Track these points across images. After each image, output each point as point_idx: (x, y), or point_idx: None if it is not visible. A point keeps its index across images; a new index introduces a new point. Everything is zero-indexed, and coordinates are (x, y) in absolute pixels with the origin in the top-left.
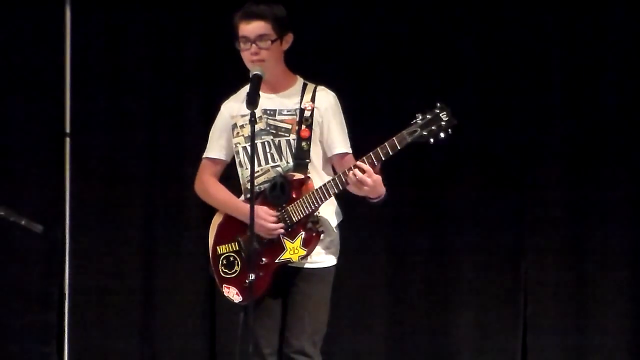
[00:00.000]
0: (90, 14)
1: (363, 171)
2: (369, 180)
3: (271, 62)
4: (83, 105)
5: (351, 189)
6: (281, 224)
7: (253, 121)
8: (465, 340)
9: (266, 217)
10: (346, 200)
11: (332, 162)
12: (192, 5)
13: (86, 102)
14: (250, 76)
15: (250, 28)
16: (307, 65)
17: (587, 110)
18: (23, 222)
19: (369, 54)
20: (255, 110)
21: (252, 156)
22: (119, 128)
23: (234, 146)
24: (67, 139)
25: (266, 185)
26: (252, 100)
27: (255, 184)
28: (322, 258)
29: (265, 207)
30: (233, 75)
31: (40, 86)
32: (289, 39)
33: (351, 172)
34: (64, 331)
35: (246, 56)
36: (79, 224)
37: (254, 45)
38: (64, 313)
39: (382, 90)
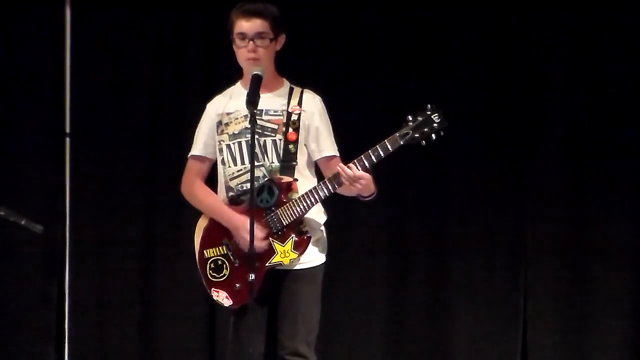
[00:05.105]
0: (90, 14)
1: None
2: (366, 175)
3: (265, 62)
4: (83, 105)
5: (343, 189)
6: (266, 241)
7: (254, 121)
8: (465, 339)
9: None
10: (345, 200)
11: (319, 165)
12: (193, 5)
13: (86, 102)
14: (251, 76)
15: (250, 25)
16: (295, 67)
17: (587, 109)
18: (23, 222)
19: (360, 56)
20: (239, 109)
21: (252, 156)
22: (119, 128)
23: (218, 144)
24: (67, 139)
25: (249, 185)
26: (253, 100)
27: (237, 182)
28: (310, 258)
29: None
30: (233, 75)
31: (40, 86)
32: (282, 40)
33: (345, 170)
34: (64, 331)
35: (242, 53)
36: (79, 224)
37: (251, 42)
38: (64, 313)
39: (374, 92)
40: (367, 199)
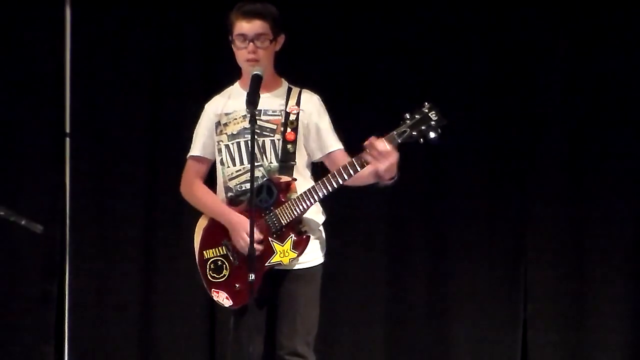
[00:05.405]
0: (90, 14)
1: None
2: (395, 153)
3: (265, 62)
4: (83, 105)
5: (364, 173)
6: (263, 243)
7: (254, 121)
8: (465, 339)
9: (245, 236)
10: (346, 200)
11: (326, 163)
12: (192, 5)
13: (86, 102)
14: (251, 76)
15: (250, 26)
16: (292, 66)
17: (588, 109)
18: (23, 222)
19: (359, 56)
20: (238, 109)
21: (252, 156)
22: (119, 128)
23: (217, 144)
24: (67, 139)
25: (248, 184)
26: (252, 100)
27: (236, 183)
28: (309, 258)
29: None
30: (233, 75)
31: (40, 86)
32: (281, 40)
33: (376, 144)
34: (64, 331)
35: (242, 54)
36: (79, 224)
37: (251, 44)
38: (64, 313)
39: (373, 92)
40: (388, 182)
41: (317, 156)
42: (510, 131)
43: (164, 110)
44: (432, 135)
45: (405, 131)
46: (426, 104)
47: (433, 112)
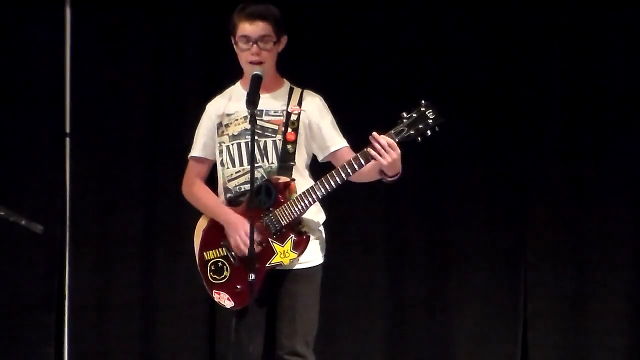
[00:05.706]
0: (91, 15)
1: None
2: (397, 149)
3: (268, 63)
4: (83, 105)
5: (367, 169)
6: (258, 248)
7: (253, 121)
8: (465, 339)
9: (242, 235)
10: (346, 200)
11: (332, 161)
12: (192, 5)
13: (86, 102)
14: (251, 76)
15: (254, 28)
16: (293, 66)
17: (587, 110)
18: (23, 222)
19: (359, 56)
20: (239, 110)
21: (252, 155)
22: (119, 128)
23: (218, 145)
24: (67, 139)
25: (247, 186)
26: (252, 100)
27: (236, 184)
28: (309, 258)
29: (246, 225)
30: (233, 74)
31: (40, 86)
32: (284, 41)
33: (378, 139)
34: (64, 332)
35: (245, 56)
36: (79, 224)
37: (255, 45)
38: (63, 313)
39: (373, 92)
40: (392, 179)
41: (322, 156)
42: (510, 131)
43: (164, 111)
44: (429, 133)
45: (402, 130)
46: (423, 102)
47: (430, 110)
